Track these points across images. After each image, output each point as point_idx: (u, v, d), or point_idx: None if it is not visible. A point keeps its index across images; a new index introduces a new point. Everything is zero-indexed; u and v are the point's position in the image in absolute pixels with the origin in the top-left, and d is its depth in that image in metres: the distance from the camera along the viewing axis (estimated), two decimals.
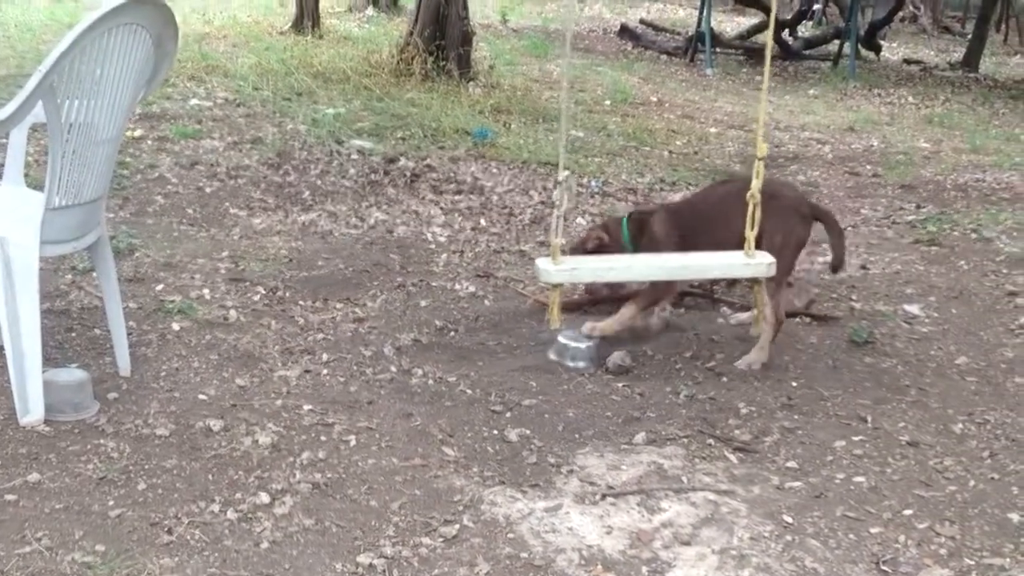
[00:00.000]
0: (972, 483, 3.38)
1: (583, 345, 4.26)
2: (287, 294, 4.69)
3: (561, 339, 4.28)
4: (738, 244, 4.11)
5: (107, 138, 3.43)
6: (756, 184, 4.01)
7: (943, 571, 2.92)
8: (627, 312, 4.39)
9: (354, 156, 6.84)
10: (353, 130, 7.39)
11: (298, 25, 11.91)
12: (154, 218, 5.44)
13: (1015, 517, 3.18)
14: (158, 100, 7.72)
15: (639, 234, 4.45)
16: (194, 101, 7.93)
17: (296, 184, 6.20)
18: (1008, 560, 2.96)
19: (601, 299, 4.71)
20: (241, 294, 4.63)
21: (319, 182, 6.28)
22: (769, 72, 4.31)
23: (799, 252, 4.41)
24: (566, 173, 4.09)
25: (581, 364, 4.22)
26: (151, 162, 6.29)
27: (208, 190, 5.94)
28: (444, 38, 9.55)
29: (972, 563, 2.95)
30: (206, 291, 4.59)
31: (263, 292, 4.67)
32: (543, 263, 4.11)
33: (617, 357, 4.19)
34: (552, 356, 4.26)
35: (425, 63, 9.38)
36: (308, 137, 7.15)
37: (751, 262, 4.10)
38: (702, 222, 4.37)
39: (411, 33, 9.67)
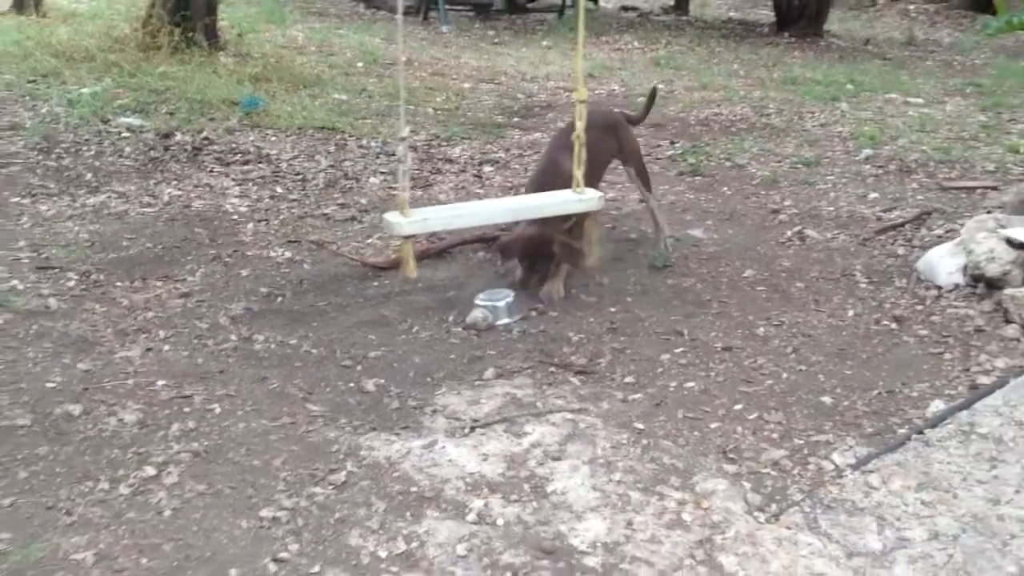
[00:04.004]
0: (785, 376, 3.86)
1: (502, 303, 4.39)
2: (101, 277, 4.61)
3: (479, 301, 4.39)
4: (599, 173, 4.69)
5: None
6: (580, 125, 4.33)
7: (780, 451, 3.35)
8: (563, 269, 4.64)
9: (125, 134, 6.66)
10: (115, 108, 7.16)
11: (19, 5, 11.23)
12: None
13: (827, 400, 3.67)
14: None
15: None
16: None
17: (74, 167, 6.00)
18: (831, 436, 3.43)
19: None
20: (54, 281, 4.51)
21: (97, 163, 6.10)
22: (583, 21, 4.63)
23: None
24: (408, 129, 4.25)
25: (506, 320, 4.35)
26: None
27: None
28: (188, 8, 9.31)
29: (802, 442, 3.40)
30: (16, 282, 4.45)
31: (76, 277, 4.57)
32: (393, 216, 4.26)
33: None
34: (473, 319, 4.31)
35: (172, 35, 9.12)
36: (69, 119, 6.88)
37: (583, 198, 4.44)
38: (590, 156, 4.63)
39: (153, 5, 9.34)
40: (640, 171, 5.17)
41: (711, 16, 18.34)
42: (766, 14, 16.96)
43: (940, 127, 8.09)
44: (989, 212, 4.78)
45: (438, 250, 5.07)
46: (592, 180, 4.68)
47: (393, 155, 6.84)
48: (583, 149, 4.39)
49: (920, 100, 9.58)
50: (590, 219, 4.61)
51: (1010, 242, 4.17)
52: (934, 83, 10.79)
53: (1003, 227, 4.29)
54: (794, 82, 10.59)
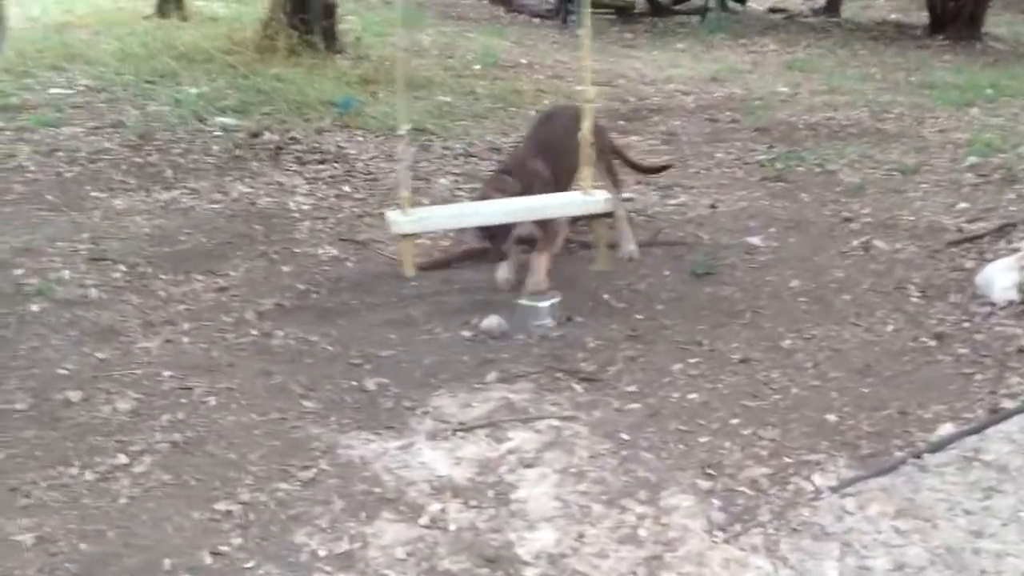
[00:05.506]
0: (795, 391, 3.66)
1: (546, 304, 4.30)
2: (148, 270, 4.75)
3: (523, 300, 4.31)
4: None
5: None
6: (587, 125, 4.23)
7: (763, 469, 3.17)
8: (544, 260, 4.47)
9: (217, 133, 6.86)
10: (217, 108, 7.38)
11: (162, 8, 11.76)
12: (12, 206, 5.42)
13: (832, 418, 3.45)
14: (17, 91, 7.63)
15: (528, 183, 4.57)
16: (54, 90, 7.83)
17: (158, 164, 6.22)
18: (823, 456, 3.23)
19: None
20: (102, 273, 4.67)
21: (181, 160, 6.31)
22: (589, 17, 4.53)
23: None
24: (407, 127, 4.25)
25: (547, 321, 4.27)
26: (8, 152, 6.23)
27: (68, 175, 5.93)
28: (307, 12, 9.55)
29: (790, 461, 3.22)
30: (66, 272, 4.62)
31: (124, 269, 4.72)
32: (393, 215, 4.28)
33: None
34: (488, 325, 4.25)
35: (290, 38, 9.36)
36: (171, 118, 7.14)
37: (589, 199, 4.34)
38: (561, 155, 4.56)
39: (273, 9, 9.62)
40: (609, 168, 4.97)
41: (867, 18, 17.66)
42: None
43: None
44: None
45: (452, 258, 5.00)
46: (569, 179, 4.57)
47: (474, 156, 6.86)
48: (592, 150, 4.27)
49: None
50: (598, 220, 4.50)
51: None
52: None
53: None
54: (931, 86, 10.05)
